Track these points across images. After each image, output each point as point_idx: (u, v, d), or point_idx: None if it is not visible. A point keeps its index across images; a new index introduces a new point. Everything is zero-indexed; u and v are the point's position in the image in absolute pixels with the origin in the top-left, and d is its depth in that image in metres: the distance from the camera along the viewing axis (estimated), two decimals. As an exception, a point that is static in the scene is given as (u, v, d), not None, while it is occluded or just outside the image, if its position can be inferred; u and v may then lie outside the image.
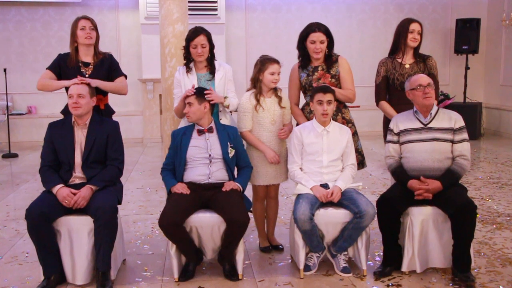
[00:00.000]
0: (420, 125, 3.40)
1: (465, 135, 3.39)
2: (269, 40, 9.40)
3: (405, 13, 9.27)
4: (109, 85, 3.66)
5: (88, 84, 3.42)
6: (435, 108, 3.43)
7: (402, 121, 3.47)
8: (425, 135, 3.37)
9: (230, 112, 3.85)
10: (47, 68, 3.74)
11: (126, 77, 3.85)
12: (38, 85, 3.72)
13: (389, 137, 3.53)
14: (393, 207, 3.31)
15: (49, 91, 3.72)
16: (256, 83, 3.65)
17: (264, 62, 3.62)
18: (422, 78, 3.41)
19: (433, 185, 3.26)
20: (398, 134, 3.46)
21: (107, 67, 3.74)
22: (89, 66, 3.64)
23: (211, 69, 3.76)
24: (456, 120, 3.39)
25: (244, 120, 3.66)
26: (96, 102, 3.50)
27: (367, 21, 9.65)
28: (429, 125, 3.39)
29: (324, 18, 9.05)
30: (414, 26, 3.95)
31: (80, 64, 3.64)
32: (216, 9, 8.91)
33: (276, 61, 3.62)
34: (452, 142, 3.37)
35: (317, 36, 3.67)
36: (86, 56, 3.68)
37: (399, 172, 3.42)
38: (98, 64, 3.67)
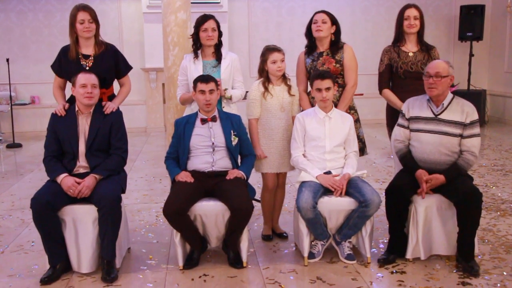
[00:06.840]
0: (430, 115, 3.34)
1: (475, 130, 3.29)
2: (272, 28, 9.34)
3: None
4: (123, 97, 3.73)
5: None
6: (448, 98, 3.34)
7: (414, 107, 3.42)
8: (434, 126, 3.31)
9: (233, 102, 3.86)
10: (51, 68, 3.71)
11: (131, 68, 3.84)
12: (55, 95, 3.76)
13: (400, 121, 3.50)
14: (403, 195, 3.30)
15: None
16: (262, 73, 3.69)
17: (265, 52, 3.66)
18: (433, 65, 3.31)
19: (436, 181, 3.26)
20: (408, 119, 3.43)
21: (112, 61, 3.67)
22: (89, 58, 3.61)
23: (218, 56, 3.79)
24: (468, 113, 3.28)
25: (252, 108, 3.68)
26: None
27: (371, 8, 9.59)
28: (439, 116, 3.32)
29: (327, 5, 8.87)
30: (409, 12, 3.89)
31: (80, 56, 3.63)
32: (218, -3, 8.85)
33: (276, 49, 3.63)
34: (461, 136, 3.29)
35: (319, 16, 3.75)
36: (87, 47, 3.65)
37: (408, 159, 3.41)
38: (99, 57, 3.63)
